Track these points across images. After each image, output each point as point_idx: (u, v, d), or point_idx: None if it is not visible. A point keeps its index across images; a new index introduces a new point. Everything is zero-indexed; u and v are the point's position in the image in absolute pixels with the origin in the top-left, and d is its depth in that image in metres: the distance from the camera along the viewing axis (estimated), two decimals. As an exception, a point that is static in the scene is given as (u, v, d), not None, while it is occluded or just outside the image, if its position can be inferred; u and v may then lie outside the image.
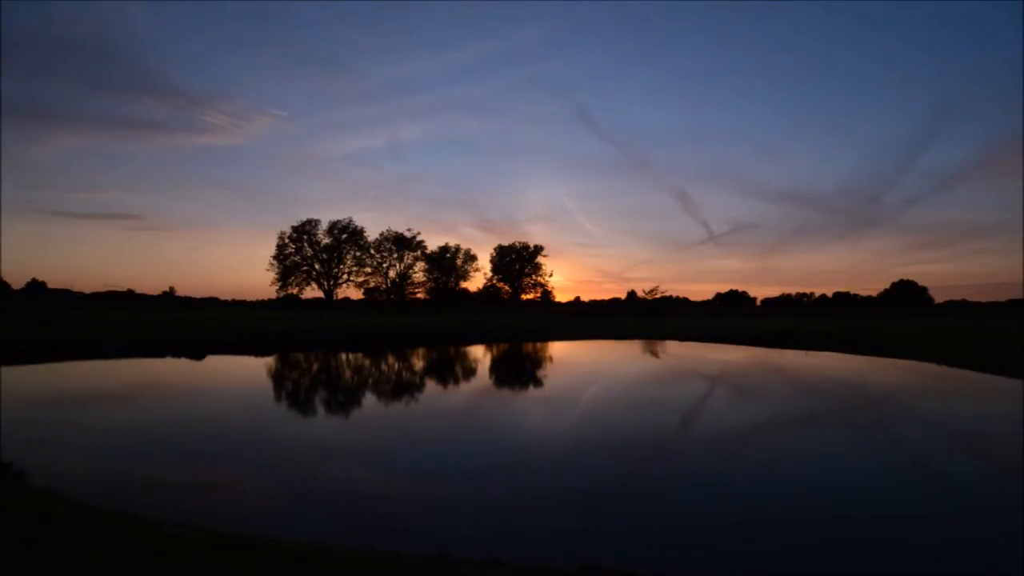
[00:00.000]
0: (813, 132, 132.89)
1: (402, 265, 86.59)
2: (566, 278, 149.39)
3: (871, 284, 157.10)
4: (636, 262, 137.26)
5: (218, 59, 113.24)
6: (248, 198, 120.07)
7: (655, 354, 29.94)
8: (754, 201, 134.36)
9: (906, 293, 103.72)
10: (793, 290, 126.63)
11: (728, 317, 68.85)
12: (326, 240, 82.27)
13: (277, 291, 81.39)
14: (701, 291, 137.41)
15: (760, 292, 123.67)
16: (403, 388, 17.68)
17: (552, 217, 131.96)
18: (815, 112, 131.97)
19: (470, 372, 22.42)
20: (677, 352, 30.73)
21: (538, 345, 34.41)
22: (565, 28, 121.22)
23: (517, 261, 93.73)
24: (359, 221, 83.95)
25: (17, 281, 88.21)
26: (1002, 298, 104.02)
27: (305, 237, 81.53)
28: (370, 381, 19.74)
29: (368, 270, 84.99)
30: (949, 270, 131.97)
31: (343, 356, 26.94)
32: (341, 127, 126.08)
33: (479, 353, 29.35)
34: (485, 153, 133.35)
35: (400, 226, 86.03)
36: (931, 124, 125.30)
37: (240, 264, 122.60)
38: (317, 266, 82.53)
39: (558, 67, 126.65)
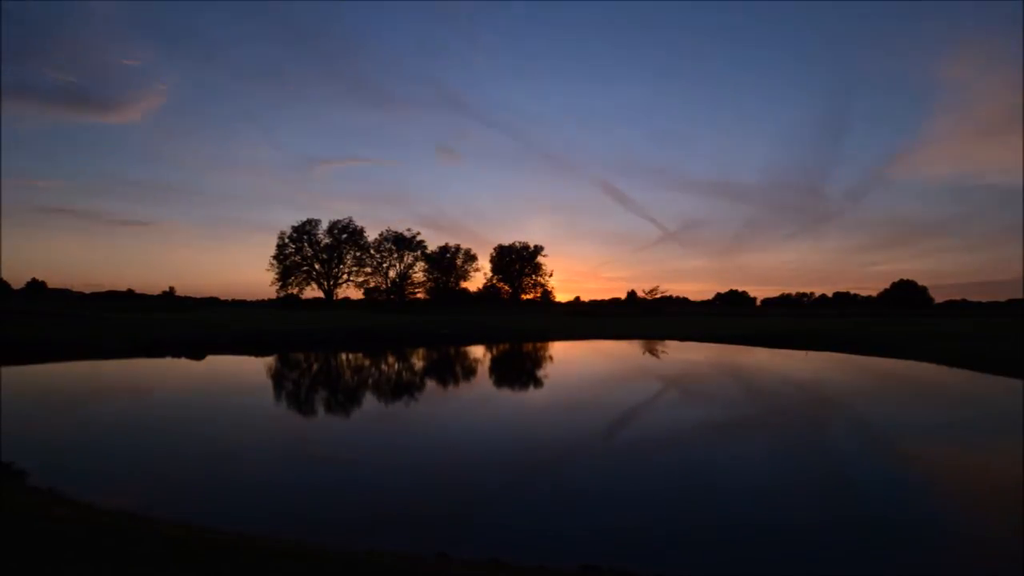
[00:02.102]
0: (709, 118, 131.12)
1: (402, 265, 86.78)
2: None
3: (846, 283, 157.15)
4: (600, 262, 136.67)
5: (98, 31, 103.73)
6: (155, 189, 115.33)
7: (656, 356, 29.93)
8: (683, 194, 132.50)
9: (906, 293, 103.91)
10: (791, 291, 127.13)
11: (729, 317, 68.90)
12: (326, 240, 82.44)
13: (277, 291, 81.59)
14: (680, 291, 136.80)
15: (727, 289, 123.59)
16: (402, 388, 17.69)
17: (487, 214, 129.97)
18: (706, 97, 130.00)
19: (469, 373, 22.43)
20: (679, 356, 30.72)
21: (538, 345, 34.42)
22: (408, 11, 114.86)
23: (517, 261, 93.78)
24: (292, 216, 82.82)
25: (17, 281, 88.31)
26: (1002, 298, 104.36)
27: (305, 237, 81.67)
28: (369, 381, 19.75)
29: (368, 270, 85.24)
30: (922, 268, 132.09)
31: (343, 356, 26.94)
32: (228, 118, 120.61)
33: (479, 353, 29.36)
34: (378, 145, 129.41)
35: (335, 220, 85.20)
36: (839, 111, 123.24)
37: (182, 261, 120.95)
38: (317, 266, 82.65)
39: (409, 51, 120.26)
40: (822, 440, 11.07)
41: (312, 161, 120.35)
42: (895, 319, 59.90)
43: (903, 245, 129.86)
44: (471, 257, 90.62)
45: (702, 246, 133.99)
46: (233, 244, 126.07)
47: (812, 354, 28.68)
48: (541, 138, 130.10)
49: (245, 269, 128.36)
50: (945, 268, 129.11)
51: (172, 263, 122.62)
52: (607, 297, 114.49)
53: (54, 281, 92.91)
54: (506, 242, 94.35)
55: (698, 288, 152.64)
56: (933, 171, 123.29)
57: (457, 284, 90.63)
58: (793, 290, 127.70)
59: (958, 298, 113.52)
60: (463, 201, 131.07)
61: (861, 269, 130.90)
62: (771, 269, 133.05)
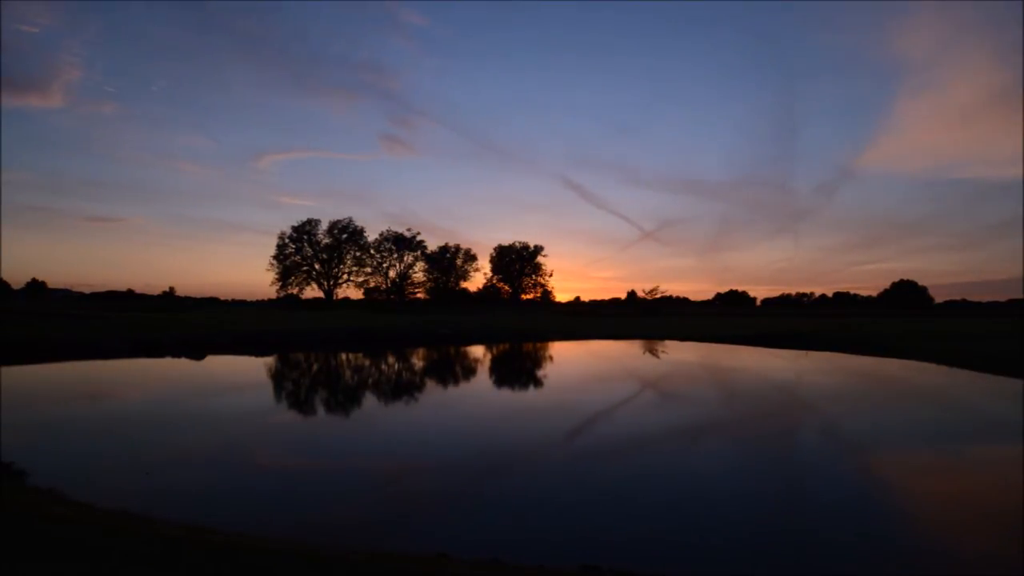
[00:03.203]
0: (660, 112, 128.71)
1: (402, 265, 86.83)
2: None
3: (835, 283, 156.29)
4: (587, 261, 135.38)
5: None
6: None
7: (657, 356, 29.92)
8: (650, 192, 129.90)
9: (906, 293, 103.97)
10: (790, 291, 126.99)
11: (729, 317, 68.90)
12: (326, 240, 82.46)
13: (277, 291, 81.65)
14: (673, 291, 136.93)
15: (707, 290, 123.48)
16: (402, 388, 17.69)
17: (454, 212, 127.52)
18: (653, 90, 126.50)
19: (469, 373, 22.43)
20: (681, 356, 30.71)
21: (538, 346, 34.42)
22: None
23: (517, 261, 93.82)
24: (249, 212, 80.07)
25: (17, 281, 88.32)
26: (1002, 298, 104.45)
27: (305, 237, 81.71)
28: (368, 382, 19.75)
29: (368, 270, 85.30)
30: (910, 267, 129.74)
31: (343, 356, 26.94)
32: (152, 104, 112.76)
33: (479, 354, 29.36)
34: (322, 137, 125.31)
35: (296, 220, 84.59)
36: (793, 99, 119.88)
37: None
38: (317, 266, 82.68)
39: (345, 40, 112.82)
40: (812, 445, 11.07)
41: (254, 152, 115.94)
42: (895, 319, 59.89)
43: (886, 243, 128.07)
44: (471, 257, 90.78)
45: (683, 245, 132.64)
46: (197, 242, 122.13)
47: (812, 354, 28.68)
48: (492, 133, 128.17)
49: (220, 268, 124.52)
50: (934, 267, 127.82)
51: (140, 262, 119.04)
52: (607, 297, 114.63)
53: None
54: (479, 241, 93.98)
55: (687, 288, 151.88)
56: (908, 164, 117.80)
57: (457, 284, 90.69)
58: (792, 290, 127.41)
59: (958, 298, 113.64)
60: (426, 198, 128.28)
61: (847, 269, 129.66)
62: (758, 269, 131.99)
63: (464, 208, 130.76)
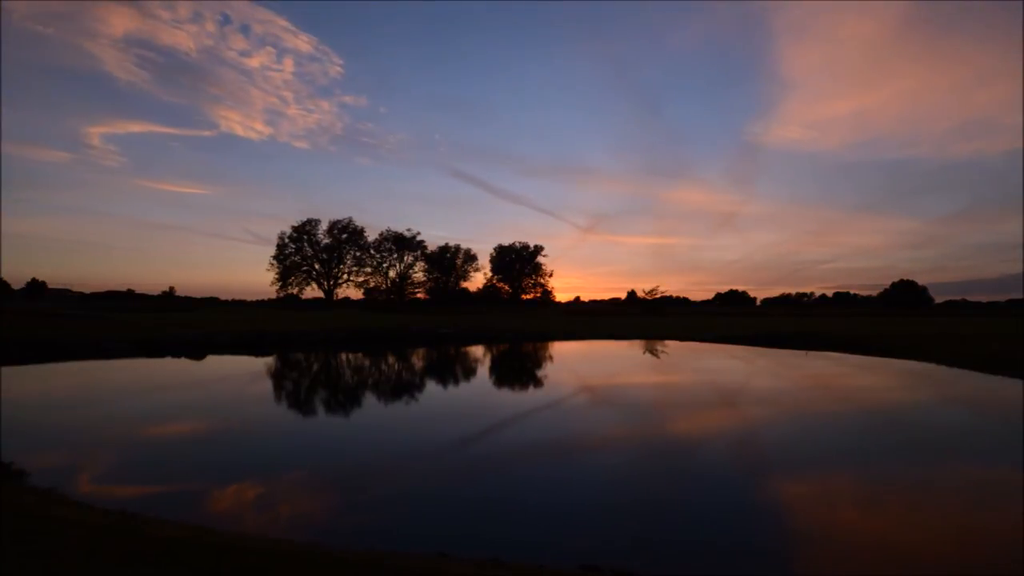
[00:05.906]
0: (506, 94, 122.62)
1: (402, 265, 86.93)
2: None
3: (803, 283, 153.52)
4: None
5: None
6: None
7: (663, 359, 29.92)
8: (550, 181, 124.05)
9: (905, 293, 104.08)
10: (790, 291, 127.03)
11: (729, 317, 68.91)
12: (326, 240, 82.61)
13: (277, 291, 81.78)
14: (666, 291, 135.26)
15: (691, 290, 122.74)
16: (401, 388, 17.67)
17: (361, 203, 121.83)
18: (490, 70, 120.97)
19: (470, 372, 22.43)
20: (689, 358, 30.67)
21: (539, 346, 34.41)
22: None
23: (517, 261, 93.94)
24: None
25: (17, 281, 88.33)
26: (1002, 298, 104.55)
27: (305, 237, 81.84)
28: (368, 381, 19.74)
29: (368, 270, 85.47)
30: (865, 266, 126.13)
31: (342, 356, 26.94)
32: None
33: (479, 353, 29.36)
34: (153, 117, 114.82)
35: (261, 207, 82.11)
36: (637, 63, 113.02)
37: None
38: (317, 266, 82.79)
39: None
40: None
41: (64, 122, 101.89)
42: (896, 319, 59.91)
43: (833, 239, 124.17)
44: (471, 257, 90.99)
45: (631, 246, 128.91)
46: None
47: (813, 354, 28.68)
48: (365, 121, 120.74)
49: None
50: (897, 264, 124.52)
51: (128, 261, 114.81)
52: (606, 296, 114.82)
53: (53, 281, 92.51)
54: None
55: (662, 287, 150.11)
56: (824, 142, 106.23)
57: (457, 284, 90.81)
58: (793, 290, 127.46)
59: (958, 298, 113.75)
60: (311, 187, 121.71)
61: (814, 267, 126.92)
62: (725, 267, 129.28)
63: (365, 203, 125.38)
